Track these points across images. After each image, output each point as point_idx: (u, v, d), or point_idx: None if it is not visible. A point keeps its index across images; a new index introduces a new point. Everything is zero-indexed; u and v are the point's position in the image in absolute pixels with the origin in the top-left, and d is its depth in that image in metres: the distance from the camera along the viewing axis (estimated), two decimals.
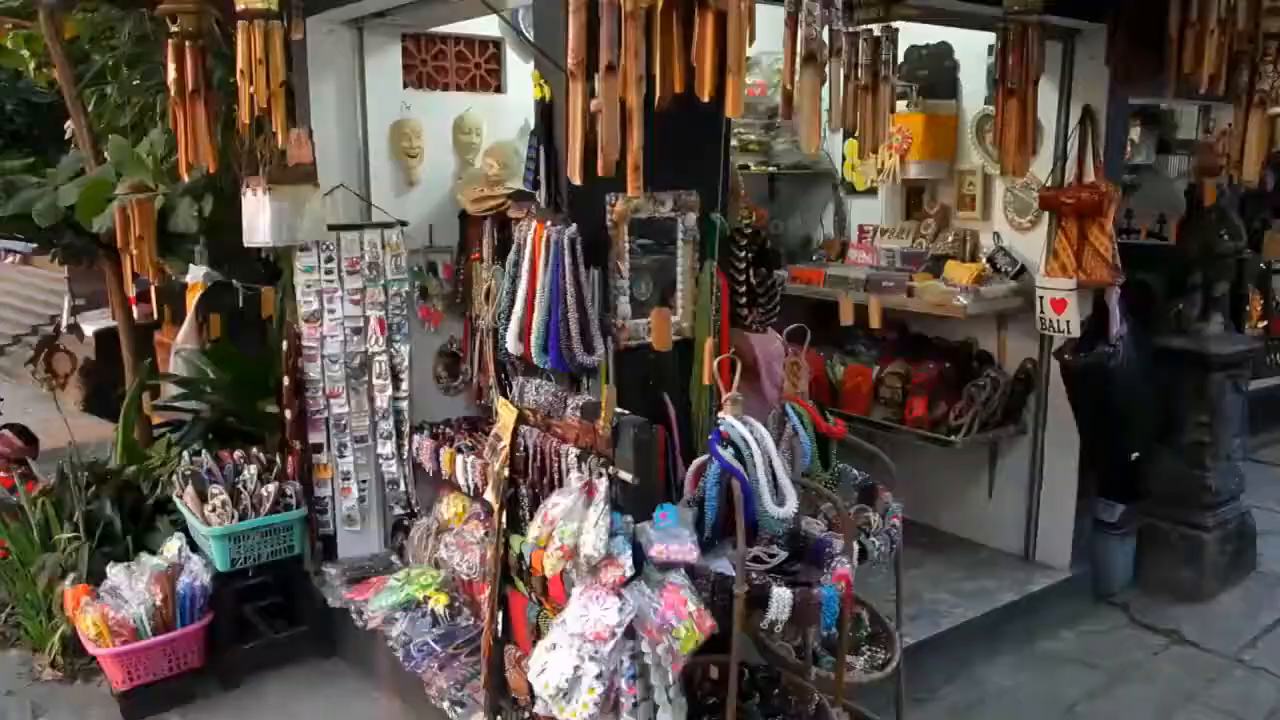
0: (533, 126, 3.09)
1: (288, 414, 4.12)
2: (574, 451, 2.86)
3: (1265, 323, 6.78)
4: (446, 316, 4.44)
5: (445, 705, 3.41)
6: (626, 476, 2.70)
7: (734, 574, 2.53)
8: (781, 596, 2.52)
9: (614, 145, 2.17)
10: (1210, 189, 4.79)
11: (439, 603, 3.74)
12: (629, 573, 2.55)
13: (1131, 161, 6.42)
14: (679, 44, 2.18)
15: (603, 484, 2.67)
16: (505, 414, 3.12)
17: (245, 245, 3.99)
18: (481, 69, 4.47)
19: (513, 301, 2.96)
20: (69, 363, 9.12)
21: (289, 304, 4.16)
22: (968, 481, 4.92)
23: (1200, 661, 4.26)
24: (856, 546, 2.83)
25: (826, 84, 2.50)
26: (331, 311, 4.06)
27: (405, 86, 4.29)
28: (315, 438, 4.15)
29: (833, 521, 3.02)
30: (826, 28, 2.39)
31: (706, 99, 2.16)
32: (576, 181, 2.29)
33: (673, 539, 2.56)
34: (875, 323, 4.17)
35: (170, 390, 5.21)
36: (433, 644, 3.64)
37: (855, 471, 3.27)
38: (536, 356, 2.90)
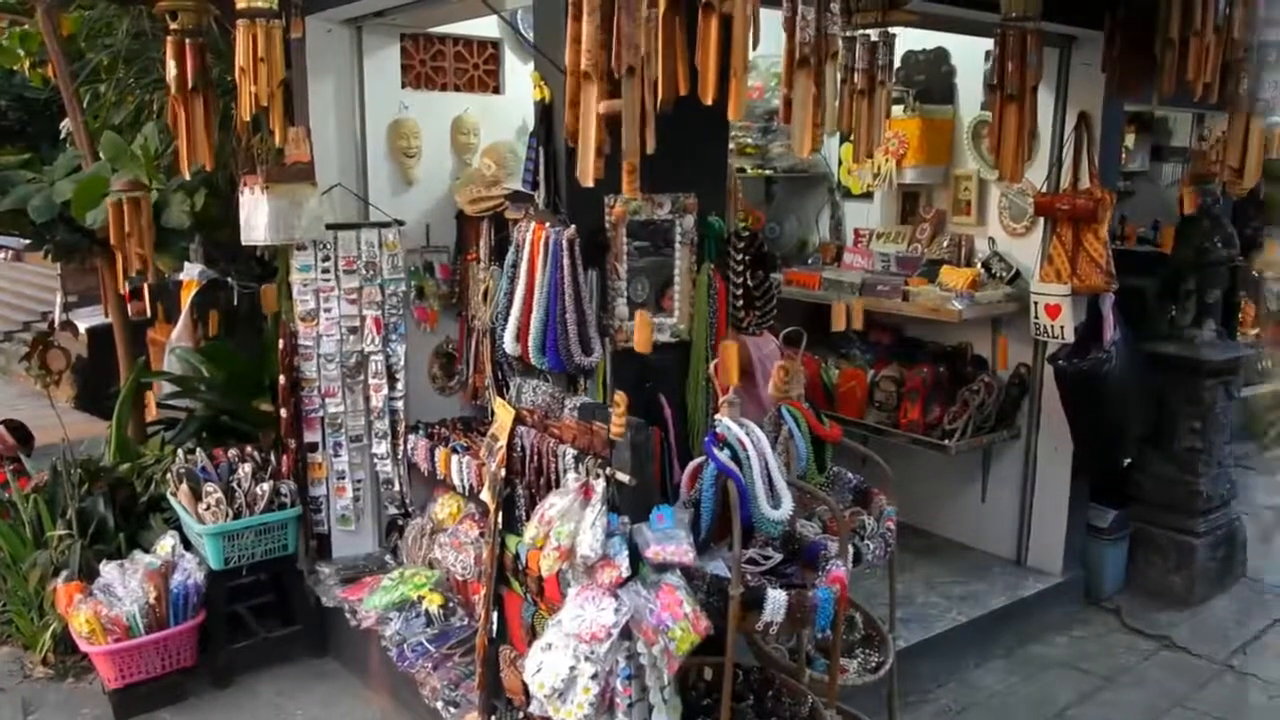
0: (531, 127, 3.09)
1: (283, 413, 4.12)
2: (571, 452, 2.86)
3: (1257, 329, 6.82)
4: (442, 316, 4.45)
5: (439, 705, 3.41)
6: (623, 477, 2.70)
7: (729, 575, 2.54)
8: (776, 598, 2.52)
9: (634, 148, 2.18)
10: (1189, 195, 4.81)
11: (433, 603, 3.74)
12: (625, 573, 2.56)
13: (1126, 168, 6.46)
14: (681, 46, 2.19)
15: (600, 485, 2.67)
16: (502, 414, 3.12)
17: (242, 243, 3.99)
18: (480, 69, 4.48)
19: (510, 302, 2.97)
20: (63, 359, 9.08)
21: (285, 302, 4.16)
22: (961, 486, 4.94)
23: (1190, 667, 4.28)
24: (851, 549, 2.84)
25: (825, 88, 2.50)
26: (328, 310, 4.06)
27: (403, 86, 4.30)
28: (310, 437, 4.15)
29: (828, 524, 3.02)
30: (823, 32, 2.39)
31: (710, 102, 2.17)
32: (589, 185, 2.29)
33: (669, 540, 2.56)
34: (857, 324, 4.17)
35: (164, 388, 5.21)
36: (427, 644, 3.64)
37: (850, 475, 3.28)
38: (534, 357, 2.90)
